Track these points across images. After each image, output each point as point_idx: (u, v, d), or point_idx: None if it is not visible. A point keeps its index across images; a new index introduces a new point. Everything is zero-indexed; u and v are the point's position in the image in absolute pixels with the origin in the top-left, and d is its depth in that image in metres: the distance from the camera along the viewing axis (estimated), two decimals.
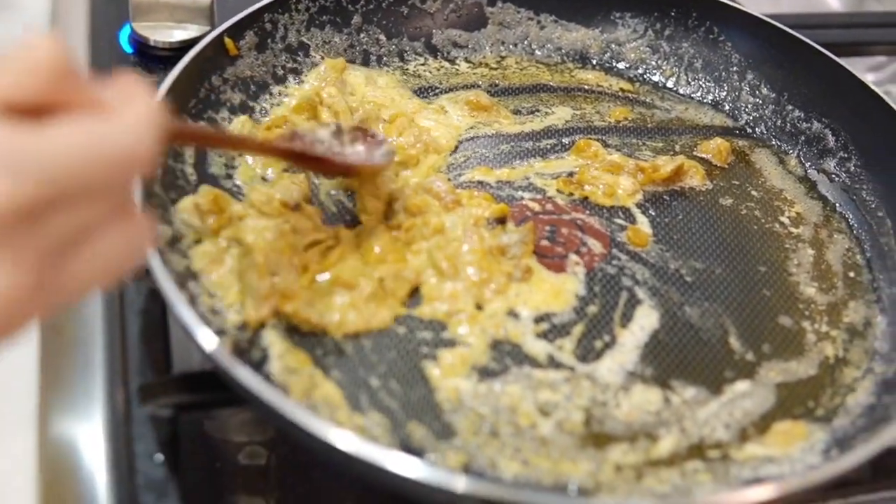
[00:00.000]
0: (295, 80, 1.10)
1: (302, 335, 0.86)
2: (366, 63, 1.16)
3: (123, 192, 0.58)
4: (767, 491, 0.73)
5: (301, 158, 0.90)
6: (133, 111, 0.56)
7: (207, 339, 0.75)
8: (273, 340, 0.85)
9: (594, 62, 1.23)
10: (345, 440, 0.71)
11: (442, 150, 1.06)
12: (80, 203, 0.54)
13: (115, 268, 0.58)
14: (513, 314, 0.91)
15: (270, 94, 1.08)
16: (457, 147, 1.08)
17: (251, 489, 0.83)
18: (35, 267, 0.53)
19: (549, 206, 1.02)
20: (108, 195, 0.56)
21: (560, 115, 1.15)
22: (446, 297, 0.90)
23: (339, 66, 1.12)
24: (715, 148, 1.11)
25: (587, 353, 0.89)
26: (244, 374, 0.73)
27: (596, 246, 0.99)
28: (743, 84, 1.19)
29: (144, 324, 0.88)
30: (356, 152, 0.94)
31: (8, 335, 0.54)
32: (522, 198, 1.03)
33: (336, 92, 1.06)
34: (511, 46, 1.23)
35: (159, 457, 0.82)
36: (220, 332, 0.82)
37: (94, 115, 0.55)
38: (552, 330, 0.90)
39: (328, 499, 0.84)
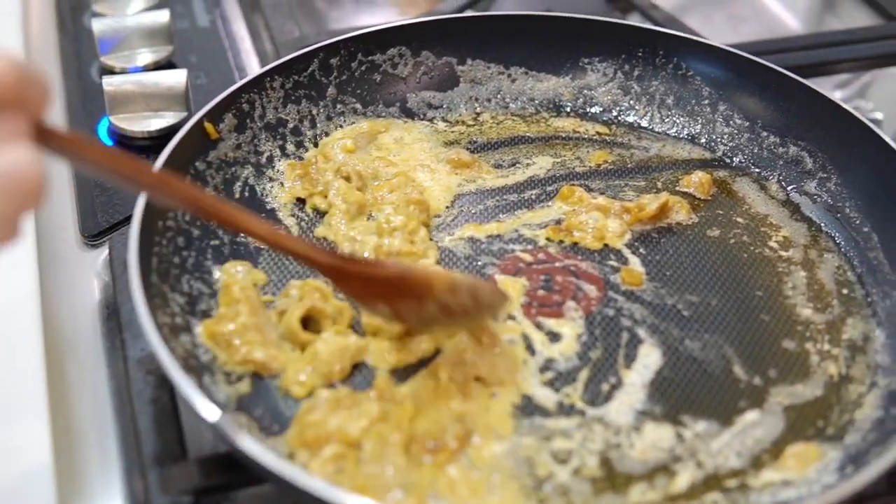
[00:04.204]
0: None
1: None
2: None
3: None
4: None
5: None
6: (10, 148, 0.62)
7: (224, 424, 0.76)
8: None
9: (568, 109, 1.25)
10: None
11: (433, 211, 1.08)
12: None
13: None
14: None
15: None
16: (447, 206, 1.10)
17: None
18: None
19: (541, 256, 1.03)
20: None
21: (541, 164, 1.16)
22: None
23: (378, 127, 1.17)
24: (697, 181, 1.13)
25: (595, 396, 0.90)
26: (260, 451, 0.74)
27: (591, 290, 1.00)
28: (716, 115, 1.21)
29: (155, 413, 0.88)
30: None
31: None
32: (514, 250, 1.04)
33: (351, 147, 1.13)
34: (485, 102, 1.24)
35: None
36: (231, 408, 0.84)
37: None
38: (558, 378, 0.91)
39: None
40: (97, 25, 1.29)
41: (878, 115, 1.46)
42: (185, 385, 0.78)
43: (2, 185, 0.61)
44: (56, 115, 1.24)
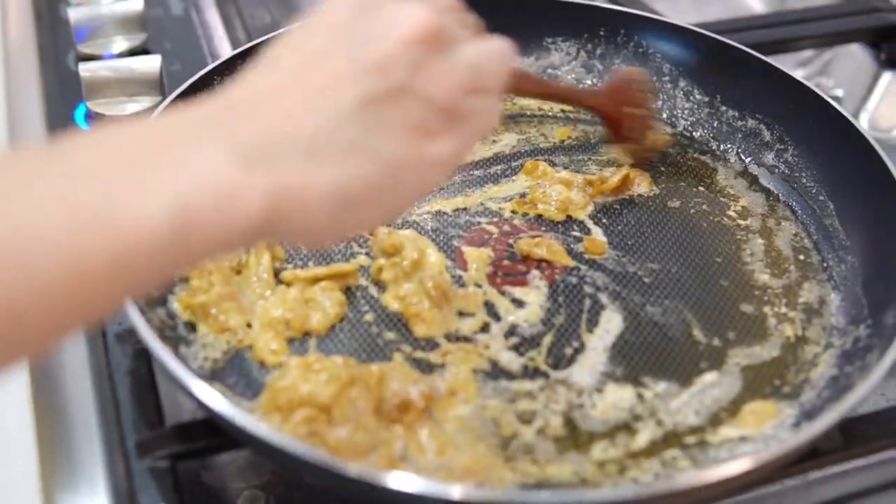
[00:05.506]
0: None
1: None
2: None
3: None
4: (741, 465, 0.76)
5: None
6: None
7: (200, 388, 0.78)
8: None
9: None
10: (343, 463, 0.73)
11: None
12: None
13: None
14: (484, 330, 0.95)
15: None
16: None
17: None
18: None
19: (506, 228, 1.06)
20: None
21: (506, 141, 1.19)
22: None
23: None
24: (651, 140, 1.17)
25: (559, 360, 0.93)
26: (237, 414, 0.76)
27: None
28: (676, 91, 1.24)
29: (133, 383, 0.91)
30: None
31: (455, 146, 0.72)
32: (480, 223, 1.07)
33: None
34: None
35: None
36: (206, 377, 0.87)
37: None
38: (523, 343, 0.94)
39: None
40: (73, 14, 1.31)
41: (839, 92, 1.49)
42: (163, 354, 0.80)
43: (489, 59, 0.72)
44: (34, 102, 1.26)
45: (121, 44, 1.33)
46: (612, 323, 0.97)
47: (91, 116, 1.22)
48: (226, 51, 1.39)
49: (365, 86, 0.65)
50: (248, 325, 0.94)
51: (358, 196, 0.66)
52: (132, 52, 1.32)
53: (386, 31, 0.66)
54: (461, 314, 0.96)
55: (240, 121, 0.63)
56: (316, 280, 0.97)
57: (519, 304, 0.98)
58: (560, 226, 1.07)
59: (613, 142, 1.16)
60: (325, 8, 0.71)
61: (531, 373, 0.92)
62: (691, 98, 1.23)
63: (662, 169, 1.16)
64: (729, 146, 1.19)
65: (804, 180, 1.13)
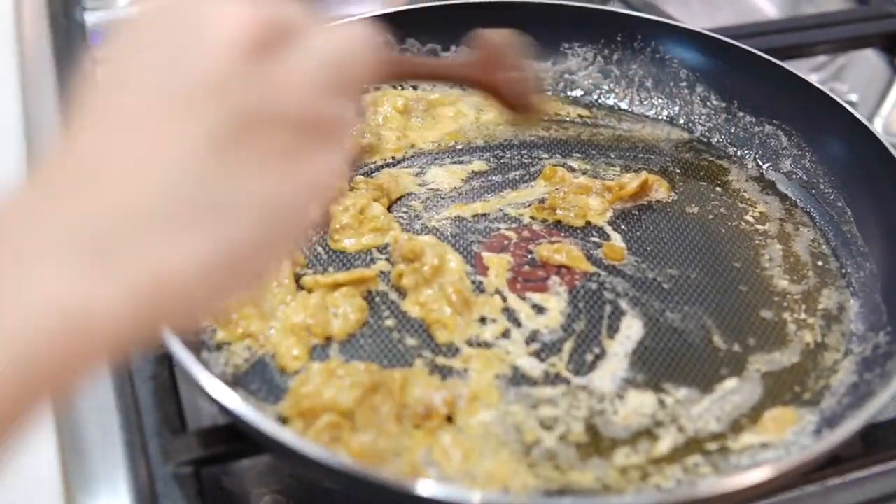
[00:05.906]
0: None
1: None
2: None
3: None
4: (763, 473, 0.76)
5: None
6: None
7: (224, 394, 0.78)
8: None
9: (550, 93, 1.28)
10: (367, 469, 0.74)
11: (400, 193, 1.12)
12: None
13: None
14: (505, 336, 0.95)
15: None
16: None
17: None
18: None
19: (525, 234, 1.06)
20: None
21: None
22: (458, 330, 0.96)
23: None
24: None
25: (580, 366, 0.93)
26: (262, 420, 0.77)
27: None
28: (693, 97, 1.24)
29: (155, 388, 0.91)
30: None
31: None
32: (499, 228, 1.07)
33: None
34: (469, 88, 1.26)
35: None
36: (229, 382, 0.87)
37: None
38: (544, 349, 0.94)
39: None
40: (90, 18, 1.32)
41: (853, 97, 1.49)
42: (186, 359, 0.80)
43: (345, 49, 0.60)
44: (50, 107, 1.26)
45: None
46: (632, 329, 0.97)
47: None
48: None
49: (206, 122, 0.53)
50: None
51: (243, 253, 0.55)
52: None
53: (207, 46, 0.54)
54: (482, 320, 0.96)
55: (64, 209, 0.51)
56: (336, 286, 0.97)
57: (539, 309, 0.98)
58: (579, 231, 1.07)
59: (509, 115, 1.03)
60: (126, 30, 0.57)
61: (553, 379, 0.92)
62: (708, 104, 1.23)
63: (680, 174, 1.16)
64: (746, 152, 1.19)
65: (822, 186, 1.13)
